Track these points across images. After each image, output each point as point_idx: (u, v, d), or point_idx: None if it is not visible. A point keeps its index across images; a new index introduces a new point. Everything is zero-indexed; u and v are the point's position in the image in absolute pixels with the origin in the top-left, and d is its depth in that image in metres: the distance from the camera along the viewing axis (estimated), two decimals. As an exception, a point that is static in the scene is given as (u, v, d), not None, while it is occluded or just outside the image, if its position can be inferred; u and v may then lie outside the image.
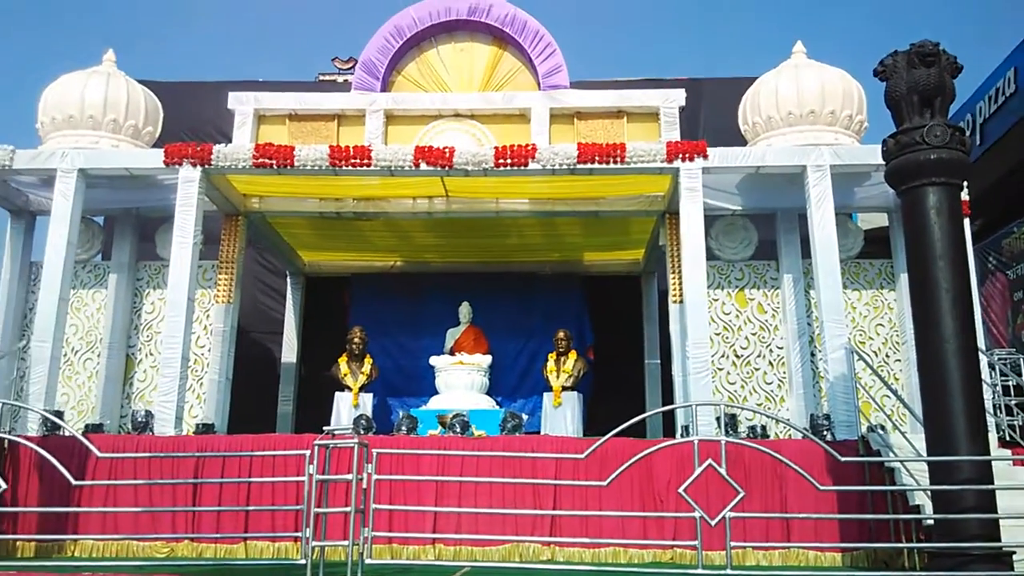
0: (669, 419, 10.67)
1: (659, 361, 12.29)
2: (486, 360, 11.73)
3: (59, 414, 9.14)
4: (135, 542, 8.07)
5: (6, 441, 8.20)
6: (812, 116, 10.25)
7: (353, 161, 9.80)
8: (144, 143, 11.02)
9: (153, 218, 11.37)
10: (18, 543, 8.09)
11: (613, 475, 6.73)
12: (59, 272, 9.63)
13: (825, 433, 8.57)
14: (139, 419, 9.08)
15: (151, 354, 10.94)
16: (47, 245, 9.78)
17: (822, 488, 6.84)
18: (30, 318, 10.76)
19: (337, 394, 11.41)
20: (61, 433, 8.57)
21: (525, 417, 9.42)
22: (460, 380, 11.40)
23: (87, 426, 9.36)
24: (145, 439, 8.68)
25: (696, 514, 6.35)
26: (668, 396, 11.06)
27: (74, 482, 7.24)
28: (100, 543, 8.06)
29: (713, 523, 6.37)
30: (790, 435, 9.59)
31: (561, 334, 11.54)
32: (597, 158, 9.70)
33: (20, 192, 10.91)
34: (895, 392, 9.06)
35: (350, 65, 15.74)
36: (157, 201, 10.58)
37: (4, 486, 6.85)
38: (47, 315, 9.53)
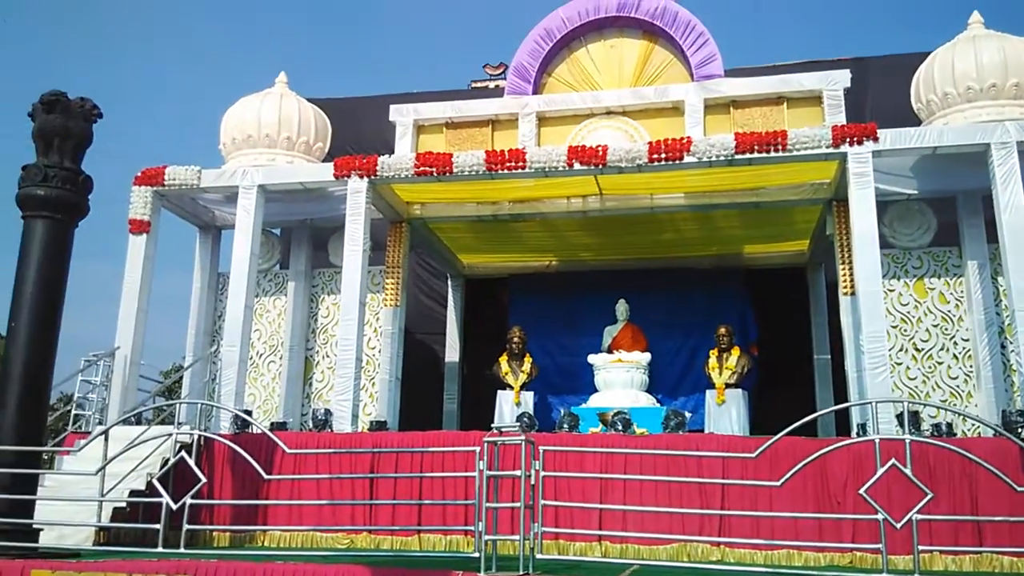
0: (842, 418, 10.30)
1: (829, 356, 11.84)
2: (645, 357, 11.64)
3: (248, 413, 9.78)
4: (318, 533, 8.46)
5: (203, 438, 8.76)
6: (994, 90, 9.60)
7: (508, 164, 9.96)
8: (315, 158, 11.63)
9: (325, 228, 11.95)
10: (215, 533, 8.66)
11: (788, 474, 6.47)
12: (244, 281, 10.30)
13: (1020, 430, 7.99)
14: (319, 417, 9.53)
15: (327, 356, 11.51)
16: (232, 257, 10.48)
17: (1019, 489, 6.34)
18: (219, 325, 11.58)
19: (499, 392, 11.63)
20: (251, 431, 9.15)
21: (688, 415, 9.27)
22: (619, 378, 11.36)
23: (272, 424, 9.95)
24: (325, 436, 9.09)
25: (879, 516, 6.05)
26: (840, 393, 10.66)
27: (265, 476, 7.74)
28: (287, 534, 8.50)
29: (899, 526, 6.05)
30: (979, 433, 9.10)
31: (723, 329, 11.31)
32: (756, 147, 9.46)
33: (207, 209, 11.78)
34: (1099, 385, 8.28)
35: (501, 71, 16.03)
36: (329, 211, 11.10)
37: (204, 480, 7.36)
38: (235, 321, 10.21)
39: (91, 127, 7.24)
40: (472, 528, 7.18)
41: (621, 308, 12.53)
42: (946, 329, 9.97)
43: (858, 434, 8.76)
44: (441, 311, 13.97)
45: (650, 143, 9.72)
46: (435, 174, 10.15)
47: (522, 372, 11.66)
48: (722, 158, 9.53)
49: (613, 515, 7.91)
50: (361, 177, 10.29)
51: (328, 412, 9.59)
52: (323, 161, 11.57)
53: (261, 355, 11.61)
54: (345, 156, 10.62)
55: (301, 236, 11.95)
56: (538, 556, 6.42)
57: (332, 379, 10.79)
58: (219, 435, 8.79)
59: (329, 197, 10.94)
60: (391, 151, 10.99)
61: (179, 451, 7.73)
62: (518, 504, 6.29)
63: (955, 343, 9.89)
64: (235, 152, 11.40)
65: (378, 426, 9.60)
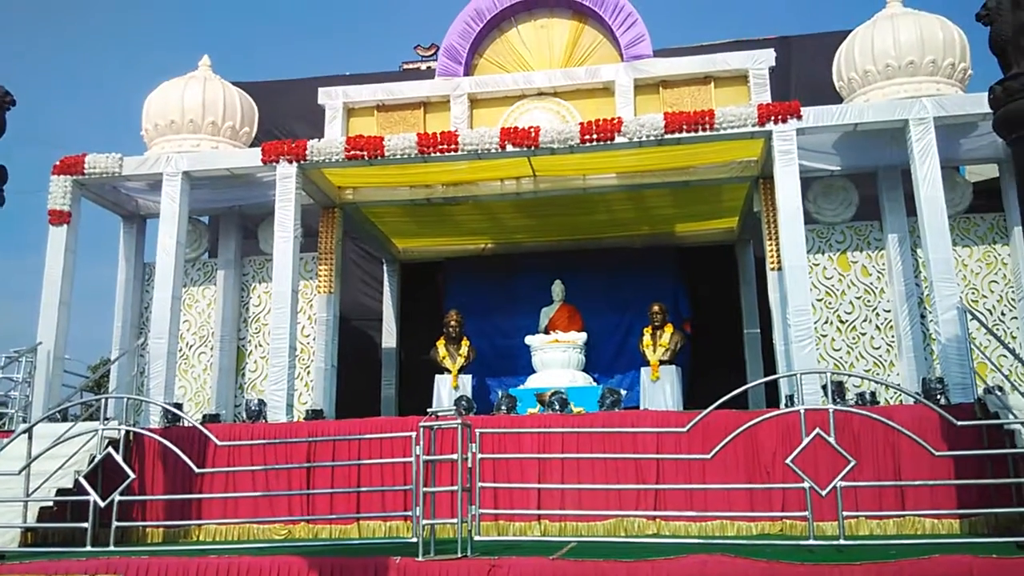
0: (772, 390, 10.51)
1: (759, 331, 12.07)
2: (581, 337, 11.74)
3: (178, 406, 9.60)
4: (255, 525, 8.41)
5: (131, 434, 8.63)
6: (912, 67, 9.86)
7: (441, 147, 9.93)
8: (242, 143, 11.42)
9: (255, 214, 11.77)
10: (147, 529, 8.52)
11: (718, 447, 6.71)
12: (170, 271, 10.09)
13: (939, 397, 8.29)
14: (253, 408, 9.41)
15: (260, 345, 11.37)
16: (158, 246, 10.26)
17: (938, 454, 6.63)
18: (146, 316, 11.35)
19: (437, 376, 11.61)
20: (181, 424, 9.01)
21: (623, 393, 9.41)
22: (556, 358, 11.45)
23: (204, 416, 9.81)
24: (259, 427, 9.01)
25: (806, 485, 6.25)
26: (770, 366, 10.94)
27: (196, 470, 7.64)
28: (222, 527, 8.41)
29: (824, 493, 6.26)
30: (901, 401, 9.37)
31: (656, 307, 11.43)
32: (685, 127, 9.58)
33: (130, 197, 11.47)
34: (1013, 351, 8.67)
35: (432, 52, 15.88)
36: (257, 198, 10.93)
37: (133, 476, 7.22)
38: (162, 313, 10.01)
39: (4, 115, 6.95)
40: (411, 513, 7.13)
41: (557, 289, 12.62)
42: (868, 301, 10.23)
43: (786, 405, 8.96)
44: (377, 297, 13.89)
45: (582, 124, 9.77)
46: (366, 158, 10.06)
47: (459, 356, 11.67)
48: (652, 138, 9.64)
49: (551, 494, 8.00)
50: (290, 162, 10.15)
51: (262, 403, 9.48)
52: (250, 146, 11.38)
53: (191, 346, 11.39)
54: (273, 141, 10.45)
55: (230, 223, 11.74)
56: (476, 538, 6.50)
57: (265, 369, 10.71)
58: (148, 430, 8.63)
59: (258, 183, 10.78)
60: (321, 135, 10.85)
61: (106, 447, 7.57)
62: (456, 487, 6.36)
63: (877, 314, 10.16)
64: (158, 138, 11.12)
65: (314, 415, 9.52)
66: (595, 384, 11.27)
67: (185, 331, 11.39)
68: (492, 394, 12.02)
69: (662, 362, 11.13)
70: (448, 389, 11.40)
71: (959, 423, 6.75)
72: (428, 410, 7.28)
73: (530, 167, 10.74)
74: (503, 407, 9.15)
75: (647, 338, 11.34)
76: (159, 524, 8.54)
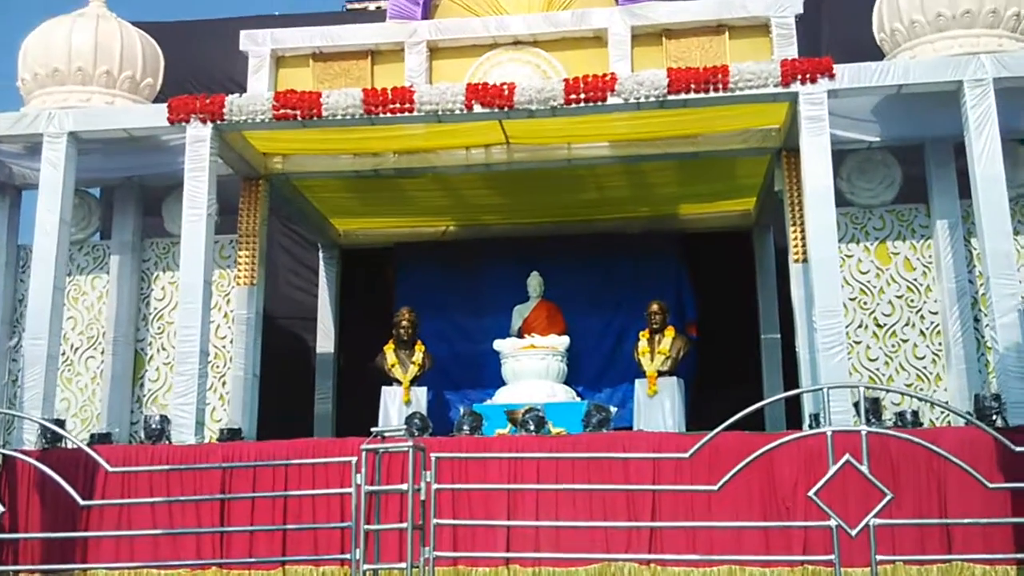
0: (794, 407, 10.62)
1: (779, 336, 12.22)
2: (563, 342, 11.81)
3: (60, 423, 9.48)
4: (154, 570, 8.34)
5: (1, 457, 8.57)
6: (968, 17, 9.96)
7: (392, 106, 9.92)
8: (144, 98, 11.31)
9: (159, 187, 11.69)
10: (20, 575, 8.41)
11: (726, 477, 6.83)
12: (51, 256, 10.00)
13: (995, 418, 8.38)
14: (153, 426, 9.37)
15: (164, 349, 11.31)
16: (36, 225, 10.14)
17: (992, 486, 6.74)
18: (20, 312, 11.22)
19: (384, 389, 11.63)
20: (64, 445, 8.92)
21: (613, 410, 9.50)
22: (532, 367, 11.50)
23: (93, 436, 9.69)
24: (161, 449, 8.96)
25: (832, 523, 6.33)
26: (791, 379, 11.03)
27: (82, 502, 7.61)
28: (114, 572, 8.35)
29: (854, 533, 6.36)
30: (949, 422, 9.46)
31: (655, 307, 11.50)
32: (693, 86, 9.64)
33: (2, 164, 11.33)
34: (1087, 364, 8.78)
35: (382, -11, 15.84)
36: (162, 167, 10.88)
37: (2, 509, 7.16)
38: (40, 307, 9.91)
39: None
40: (349, 557, 7.20)
41: (534, 283, 12.68)
42: (912, 301, 10.35)
43: (810, 426, 9.03)
44: (311, 290, 13.89)
45: (567, 80, 9.79)
46: (299, 118, 10.05)
47: (413, 363, 11.71)
48: (653, 99, 9.68)
49: (523, 533, 8.04)
50: (204, 122, 10.11)
51: (165, 419, 9.48)
52: (154, 102, 11.30)
53: (76, 349, 11.34)
54: (183, 96, 10.41)
55: (127, 198, 11.68)
56: (430, 586, 6.51)
57: (170, 378, 10.67)
58: (22, 452, 8.58)
59: (163, 148, 10.74)
60: (243, 89, 10.82)
61: (-31, 473, 7.54)
62: (406, 525, 6.47)
63: (922, 317, 10.28)
64: (38, 91, 11.02)
65: (230, 435, 9.53)
66: (579, 399, 11.35)
67: (69, 330, 11.30)
68: (452, 411, 12.05)
69: (661, 373, 11.21)
70: (398, 405, 11.43)
71: (1018, 449, 6.85)
72: (372, 430, 7.32)
73: (502, 133, 10.76)
74: (465, 427, 9.19)
75: (643, 344, 11.41)
76: (35, 568, 8.45)
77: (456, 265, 13.43)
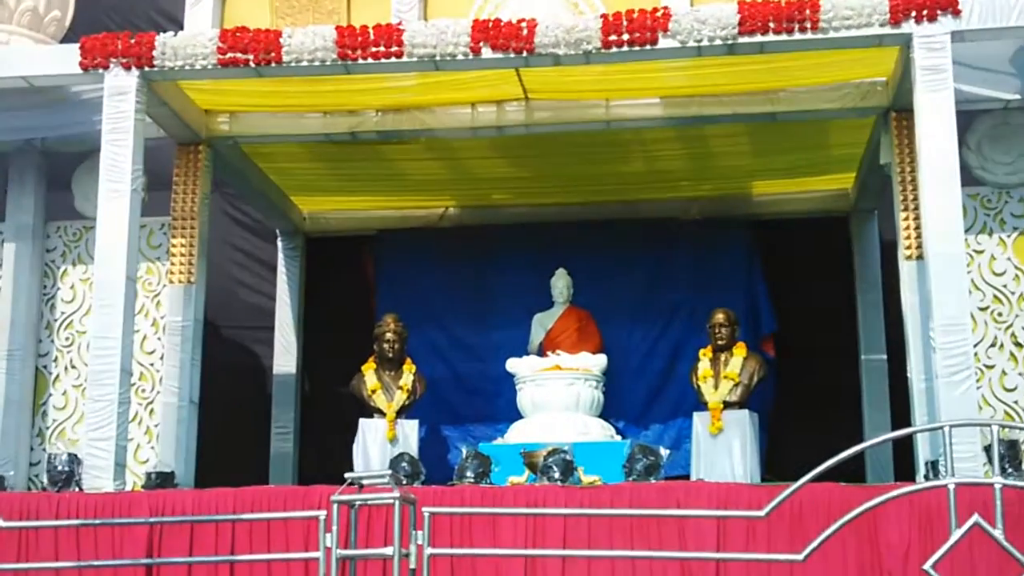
0: (904, 451, 10.46)
1: (884, 357, 12.16)
2: (598, 362, 11.68)
3: (-68, 463, 9.55)
4: (58, 655, 8.39)
5: None
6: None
7: (374, 50, 9.80)
8: (49, 36, 11.28)
9: (68, 155, 11.70)
10: None
11: (815, 543, 6.77)
12: (-79, 243, 10.09)
13: None
14: (59, 467, 9.25)
15: (73, 366, 11.34)
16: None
17: None
18: None
19: (363, 422, 11.52)
20: (-63, 492, 8.92)
21: (665, 453, 9.27)
22: (557, 395, 11.36)
23: (-21, 479, 9.75)
24: (70, 498, 8.82)
25: (959, 606, 6.38)
26: (901, 414, 10.84)
27: (-41, 568, 7.63)
28: (5, 656, 8.39)
29: (987, 621, 6.40)
30: (1117, 472, 9.37)
31: (720, 317, 11.35)
32: (772, 25, 9.44)
33: None
34: None
35: None
36: (73, 127, 10.95)
37: None
38: (-92, 309, 9.96)
39: None
40: (314, 643, 7.25)
41: (560, 284, 12.51)
42: (1063, 312, 10.38)
43: (926, 477, 8.89)
44: (267, 291, 13.81)
45: (605, 17, 9.66)
46: (253, 64, 9.89)
47: (400, 389, 11.58)
48: (718, 42, 9.52)
49: (546, 614, 8.06)
50: (128, 68, 9.92)
51: (74, 459, 9.30)
52: (62, 42, 11.24)
53: (-43, 366, 11.42)
54: (100, 34, 10.23)
55: (26, 168, 11.65)
56: None
57: (82, 405, 10.71)
58: None
59: (74, 102, 10.78)
60: (179, 26, 10.76)
61: None
62: (389, 603, 6.53)
63: (1077, 335, 10.29)
64: (-90, 27, 11.08)
65: (160, 481, 9.40)
66: (619, 439, 11.25)
67: (-52, 341, 11.36)
68: (452, 451, 12.05)
69: (728, 404, 11.06)
70: (381, 442, 11.34)
71: None
72: (347, 476, 7.17)
73: (519, 85, 10.66)
74: (469, 473, 9.07)
75: (705, 365, 11.27)
76: None
77: (457, 260, 13.39)
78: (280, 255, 13.55)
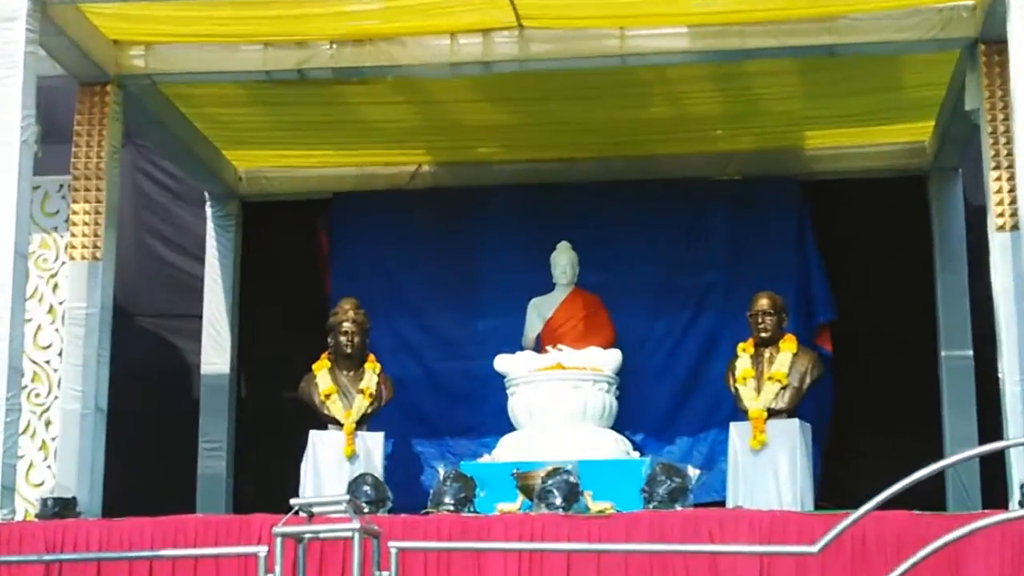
0: (995, 470, 10.48)
1: (970, 353, 12.27)
2: (610, 360, 11.79)
3: None
4: None
5: None
6: None
7: (328, -39, 9.98)
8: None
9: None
10: None
11: None
12: None
13: None
14: None
15: (-55, 365, 11.42)
16: None
17: None
18: None
19: (314, 435, 11.61)
20: None
21: (694, 473, 9.43)
22: (559, 400, 11.42)
23: None
24: None
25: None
26: (990, 424, 11.04)
27: None
28: None
29: None
30: None
31: (764, 302, 11.39)
32: (827, -69, 9.67)
33: None
34: None
35: None
36: None
37: None
38: None
39: None
40: None
41: (563, 260, 12.60)
42: None
43: (1022, 503, 8.92)
44: (193, 269, 13.89)
45: None
46: None
47: (361, 393, 11.69)
48: None
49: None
50: None
51: None
52: None
53: None
54: None
55: None
56: None
57: None
58: None
59: None
60: None
61: None
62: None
63: None
64: None
65: (59, 509, 9.51)
66: (637, 455, 11.35)
67: None
68: (426, 471, 12.17)
69: (773, 412, 11.14)
70: (337, 460, 11.45)
71: None
72: (293, 502, 7.17)
73: (512, 10, 10.68)
74: (448, 498, 9.20)
75: (744, 363, 11.35)
76: None
77: (433, 231, 13.48)
78: (210, 225, 13.60)
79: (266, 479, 12.32)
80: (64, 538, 8.63)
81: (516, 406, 11.64)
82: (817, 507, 10.54)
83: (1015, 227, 9.90)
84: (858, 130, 12.95)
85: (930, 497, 8.59)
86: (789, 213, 13.16)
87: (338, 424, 11.59)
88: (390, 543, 7.06)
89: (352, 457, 11.41)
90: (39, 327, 11.18)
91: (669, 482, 8.88)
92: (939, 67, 11.43)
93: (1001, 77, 10.14)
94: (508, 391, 11.75)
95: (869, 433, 12.10)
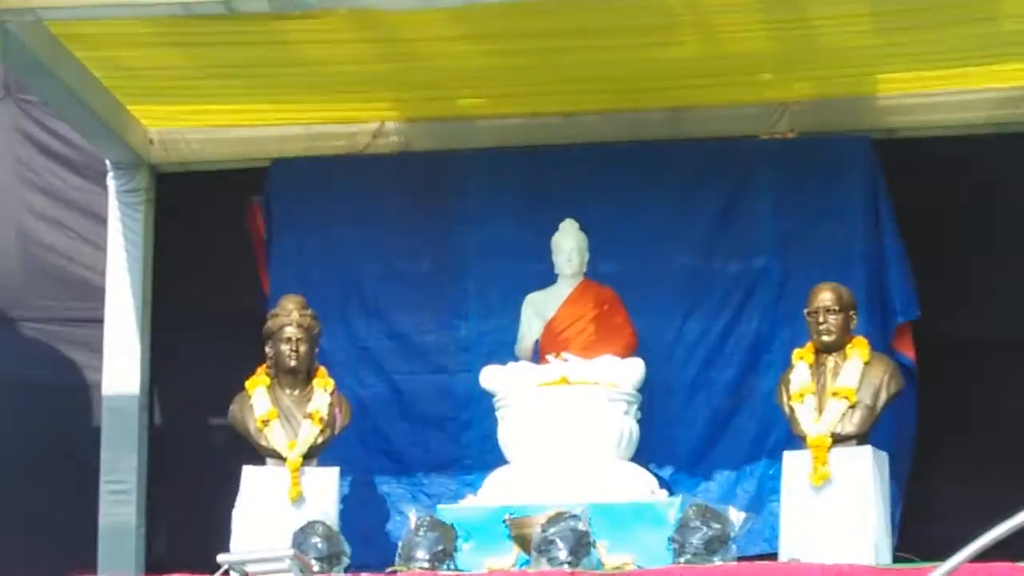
0: None
1: None
2: (630, 373, 11.86)
3: None
4: None
5: None
6: None
7: None
8: None
9: None
10: None
11: None
12: None
13: None
14: None
15: None
16: None
17: None
18: None
19: (248, 470, 11.61)
20: None
21: (738, 518, 9.55)
22: (564, 426, 11.51)
23: None
24: None
25: None
26: None
27: None
28: None
29: None
30: None
31: (827, 296, 11.34)
32: None
33: None
34: None
35: None
36: None
37: None
38: None
39: None
40: None
41: (567, 244, 12.64)
42: None
43: None
44: (92, 261, 14.02)
45: None
46: None
47: (309, 417, 11.68)
48: None
49: None
50: None
51: None
52: None
53: None
54: None
55: None
56: None
57: None
58: None
59: None
60: None
61: None
62: None
63: None
64: None
65: None
66: (664, 495, 11.40)
67: None
68: (393, 517, 12.30)
69: (839, 438, 11.11)
70: (278, 503, 11.43)
71: None
72: (220, 559, 7.49)
73: None
74: (422, 551, 9.35)
75: (802, 376, 11.37)
76: None
77: (401, 206, 13.56)
78: (113, 203, 13.64)
79: (186, 530, 12.46)
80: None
81: (508, 433, 11.70)
82: (896, 559, 10.63)
83: None
84: (944, 72, 12.90)
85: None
86: (858, 181, 13.12)
87: (280, 458, 11.54)
88: (347, 614, 7.21)
89: (298, 500, 11.34)
90: None
91: (706, 529, 9.04)
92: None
93: None
94: (498, 414, 11.82)
95: (961, 465, 12.14)
